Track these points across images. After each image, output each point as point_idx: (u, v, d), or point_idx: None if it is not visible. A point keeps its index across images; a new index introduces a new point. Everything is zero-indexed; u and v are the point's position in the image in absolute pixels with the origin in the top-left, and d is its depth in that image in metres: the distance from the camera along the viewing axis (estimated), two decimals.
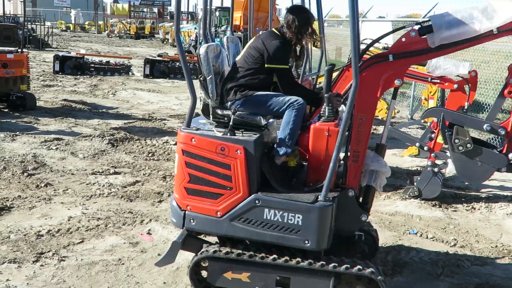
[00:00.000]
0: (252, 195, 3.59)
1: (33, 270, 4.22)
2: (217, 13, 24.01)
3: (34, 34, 27.76)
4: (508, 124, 3.89)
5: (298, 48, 4.34)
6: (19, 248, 4.58)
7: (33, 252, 4.51)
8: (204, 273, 3.89)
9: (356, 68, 3.37)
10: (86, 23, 58.04)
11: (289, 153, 3.83)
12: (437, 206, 6.22)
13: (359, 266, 3.58)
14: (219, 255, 3.69)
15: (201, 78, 3.92)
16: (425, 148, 6.52)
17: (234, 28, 20.28)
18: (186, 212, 3.76)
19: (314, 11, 6.77)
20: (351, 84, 3.51)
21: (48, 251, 4.54)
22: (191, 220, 3.75)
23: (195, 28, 26.90)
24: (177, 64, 18.07)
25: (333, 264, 3.57)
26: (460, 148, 4.13)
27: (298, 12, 4.07)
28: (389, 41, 7.62)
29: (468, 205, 6.34)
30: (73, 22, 55.17)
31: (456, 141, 4.15)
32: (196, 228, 3.81)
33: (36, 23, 31.50)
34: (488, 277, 4.52)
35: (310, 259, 3.60)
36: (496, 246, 5.23)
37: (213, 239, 4.10)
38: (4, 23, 12.47)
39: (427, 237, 5.33)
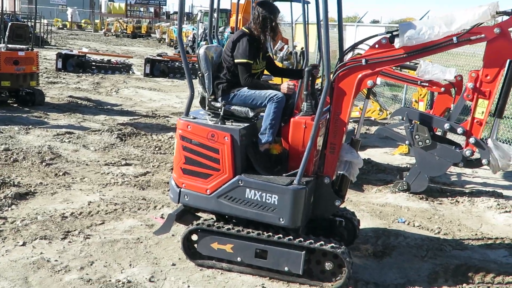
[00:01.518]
0: (236, 176, 4.18)
1: (63, 246, 4.73)
2: (215, 15, 24.52)
3: (35, 31, 28.09)
4: (466, 124, 4.38)
5: (271, 44, 4.82)
6: (47, 227, 5.08)
7: (60, 230, 5.02)
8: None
9: (328, 69, 3.94)
10: (83, 21, 58.30)
11: (270, 141, 4.37)
12: (424, 199, 6.77)
13: (321, 242, 4.14)
14: (202, 227, 4.33)
15: (199, 75, 4.52)
16: None
17: (233, 30, 20.80)
18: (181, 189, 4.41)
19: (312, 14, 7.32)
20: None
21: (74, 230, 5.05)
22: (185, 196, 4.39)
23: (193, 29, 27.33)
24: (177, 63, 18.57)
25: (298, 239, 4.13)
26: (420, 143, 4.68)
27: (263, 7, 4.54)
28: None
29: (453, 198, 6.90)
30: (69, 20, 55.39)
31: (416, 137, 4.69)
32: (189, 204, 4.44)
33: (31, 20, 31.83)
34: (467, 260, 5.07)
35: (280, 234, 4.17)
36: (476, 234, 5.79)
37: (205, 215, 4.69)
38: (16, 22, 12.88)
39: (414, 225, 5.87)
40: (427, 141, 4.70)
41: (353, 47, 4.47)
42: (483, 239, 5.65)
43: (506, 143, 9.33)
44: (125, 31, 45.50)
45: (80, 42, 33.74)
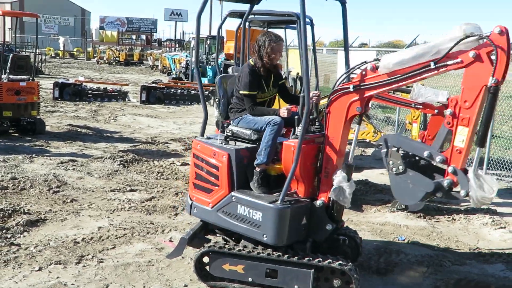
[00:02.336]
0: (231, 193, 4.49)
1: (77, 270, 4.89)
2: (208, 41, 24.98)
3: (35, 62, 28.34)
4: (448, 153, 4.09)
5: (274, 74, 5.04)
6: (61, 252, 5.25)
7: (74, 255, 5.19)
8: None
9: (308, 94, 4.10)
10: (75, 49, 58.68)
11: (265, 162, 4.56)
12: (422, 217, 7.00)
13: (329, 260, 4.31)
14: (213, 249, 4.53)
15: (216, 100, 4.98)
16: None
17: (227, 56, 21.19)
18: (193, 202, 4.79)
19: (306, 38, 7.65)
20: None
21: (87, 255, 5.22)
22: (194, 209, 4.79)
23: (186, 56, 27.71)
24: (172, 90, 18.87)
25: (307, 258, 4.31)
26: (394, 169, 4.45)
27: (263, 37, 4.86)
28: None
29: (449, 216, 7.13)
30: (61, 49, 55.78)
31: (390, 163, 4.49)
32: (196, 215, 4.83)
33: (26, 50, 32.11)
34: (466, 274, 5.28)
35: (290, 254, 4.35)
36: (473, 250, 6.01)
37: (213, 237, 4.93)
38: (18, 54, 13.14)
39: (413, 243, 6.08)
40: (400, 167, 4.44)
41: (348, 73, 4.62)
42: (480, 255, 5.86)
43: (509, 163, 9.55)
44: (118, 59, 45.82)
45: (74, 71, 34.00)
